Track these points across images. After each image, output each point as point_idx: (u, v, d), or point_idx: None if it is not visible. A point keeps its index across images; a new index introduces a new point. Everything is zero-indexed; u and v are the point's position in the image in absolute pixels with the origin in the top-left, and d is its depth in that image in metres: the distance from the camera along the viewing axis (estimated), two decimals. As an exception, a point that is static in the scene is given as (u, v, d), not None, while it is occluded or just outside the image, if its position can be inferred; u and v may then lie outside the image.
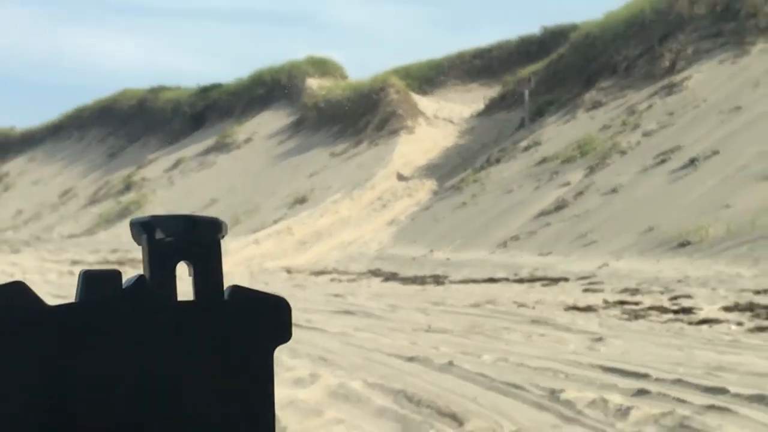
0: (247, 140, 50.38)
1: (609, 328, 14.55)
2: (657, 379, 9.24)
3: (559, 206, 27.84)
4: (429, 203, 33.91)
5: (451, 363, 10.48)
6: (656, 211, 24.99)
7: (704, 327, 15.05)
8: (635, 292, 19.99)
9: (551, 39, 49.62)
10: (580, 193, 28.04)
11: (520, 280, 22.82)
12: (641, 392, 8.72)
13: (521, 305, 18.05)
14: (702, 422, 7.52)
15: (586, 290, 20.72)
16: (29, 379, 0.85)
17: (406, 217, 33.53)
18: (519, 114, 41.47)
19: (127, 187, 52.39)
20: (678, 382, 9.06)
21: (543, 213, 28.03)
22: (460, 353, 11.29)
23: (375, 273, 26.14)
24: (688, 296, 18.89)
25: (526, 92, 37.73)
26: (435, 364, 10.62)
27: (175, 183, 49.87)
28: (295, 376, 10.10)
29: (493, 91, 46.77)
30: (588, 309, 17.54)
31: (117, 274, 0.88)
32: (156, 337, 0.89)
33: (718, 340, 13.38)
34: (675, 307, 17.58)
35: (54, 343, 0.85)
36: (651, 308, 17.48)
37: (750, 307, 17.31)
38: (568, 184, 29.11)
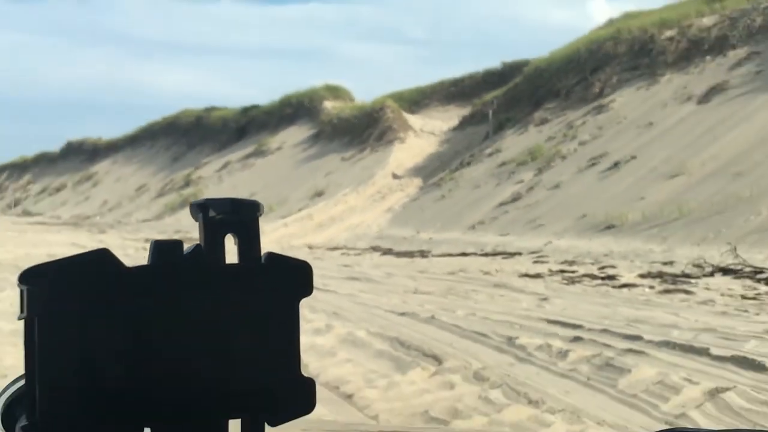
0: (278, 148, 50.44)
1: (553, 291, 14.56)
2: (588, 329, 9.25)
3: (515, 198, 27.86)
4: (416, 196, 33.94)
5: (433, 317, 10.50)
6: (588, 202, 25.01)
7: (625, 290, 15.05)
8: (572, 263, 19.98)
9: (509, 71, 50.30)
10: (531, 188, 28.06)
11: (485, 254, 22.81)
12: (577, 339, 8.74)
13: (486, 273, 18.05)
14: (622, 362, 7.53)
15: (535, 262, 20.70)
16: (115, 329, 0.85)
17: (399, 206, 33.56)
18: (484, 128, 41.49)
19: (187, 183, 52.55)
20: (605, 331, 9.07)
21: (502, 203, 28.05)
22: (440, 309, 11.29)
23: (375, 249, 26.16)
24: (612, 266, 18.89)
25: (490, 112, 37.80)
26: (420, 317, 10.64)
27: (224, 180, 49.93)
28: (314, 327, 10.10)
29: (465, 111, 46.95)
30: (537, 276, 17.53)
31: (179, 243, 0.89)
32: (210, 293, 0.89)
33: (635, 299, 13.39)
34: (602, 275, 17.59)
35: (132, 298, 0.86)
36: (584, 275, 17.49)
37: (659, 275, 17.31)
38: (521, 181, 29.13)
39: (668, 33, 32.52)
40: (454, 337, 9.23)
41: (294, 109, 54.12)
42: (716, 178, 22.87)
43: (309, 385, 0.94)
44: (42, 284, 0.83)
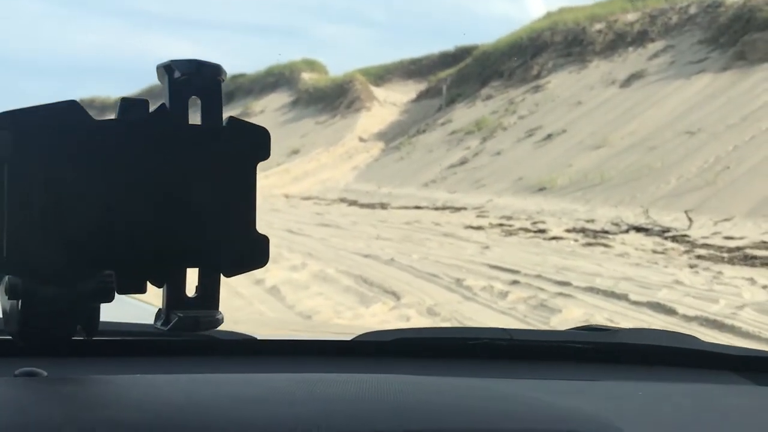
0: (261, 111, 49.96)
1: (493, 241, 14.50)
2: (525, 274, 9.19)
3: (462, 162, 27.73)
4: (379, 157, 33.75)
5: (392, 259, 10.40)
6: (524, 167, 24.95)
7: (553, 242, 15.02)
8: (510, 218, 19.92)
9: (461, 53, 50.15)
10: (476, 154, 27.95)
11: (436, 208, 22.71)
12: (515, 282, 8.67)
13: (437, 224, 17.95)
14: (554, 303, 7.47)
15: (478, 216, 20.63)
16: (80, 177, 0.81)
17: (363, 165, 33.37)
18: (438, 102, 41.33)
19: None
20: (538, 276, 9.02)
21: (452, 166, 27.92)
22: (398, 254, 11.19)
23: (342, 200, 26.00)
24: (543, 222, 18.85)
25: (444, 87, 37.57)
26: (382, 259, 10.54)
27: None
28: (291, 264, 9.98)
29: (422, 86, 46.75)
30: (479, 228, 17.47)
31: (145, 102, 0.84)
32: (172, 150, 0.84)
33: (563, 250, 13.36)
34: (535, 229, 17.56)
35: (98, 149, 0.81)
36: (519, 229, 17.44)
37: (582, 230, 17.30)
38: (468, 148, 29.00)
39: (597, 26, 32.40)
40: (410, 277, 9.14)
41: (276, 79, 53.64)
42: (633, 151, 22.87)
43: (263, 242, 0.90)
44: (11, 129, 0.78)
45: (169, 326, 0.87)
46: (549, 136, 26.37)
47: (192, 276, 0.86)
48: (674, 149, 21.77)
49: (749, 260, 12.81)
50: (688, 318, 6.86)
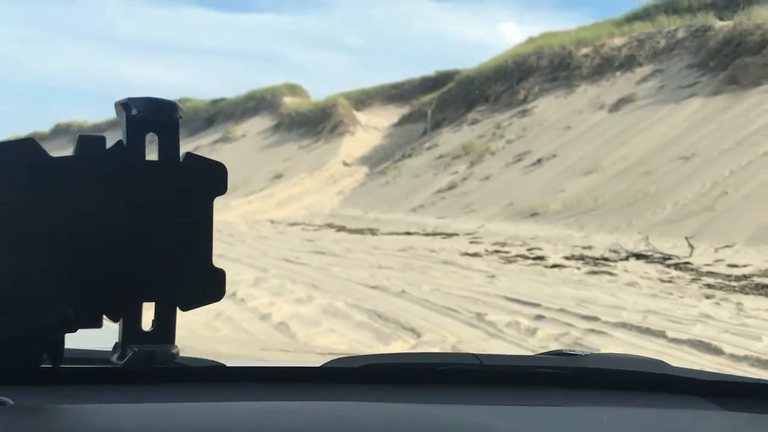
0: (243, 136, 49.52)
1: (495, 269, 13.98)
2: (546, 308, 8.65)
3: (451, 187, 27.26)
4: (364, 181, 33.22)
5: (403, 291, 9.82)
6: (515, 192, 24.51)
7: (556, 270, 14.53)
8: (504, 244, 19.44)
9: (442, 78, 50.61)
10: (465, 179, 27.48)
11: (427, 234, 22.19)
12: (539, 317, 8.13)
13: (432, 251, 17.43)
14: (590, 342, 6.94)
15: (471, 242, 20.14)
16: (38, 213, 0.82)
17: (348, 190, 32.83)
18: (422, 126, 40.99)
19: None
20: (561, 311, 8.48)
21: (440, 191, 27.44)
22: (406, 284, 10.62)
23: (330, 225, 25.43)
24: (539, 248, 18.38)
25: (429, 111, 37.16)
26: (391, 291, 9.95)
27: (195, 162, 48.90)
28: (296, 296, 9.41)
29: (403, 110, 46.56)
30: (476, 255, 16.96)
31: (102, 138, 0.86)
32: (129, 186, 0.85)
33: (569, 279, 12.86)
34: (533, 256, 17.08)
35: (55, 186, 0.83)
36: (517, 256, 16.94)
37: (582, 257, 16.84)
38: (456, 172, 28.52)
39: (584, 50, 32.10)
40: (426, 311, 8.58)
41: (257, 103, 53.22)
42: (626, 176, 22.48)
43: (219, 276, 0.90)
44: None
45: (124, 361, 0.87)
46: (539, 161, 25.94)
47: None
48: (669, 174, 21.38)
49: (762, 290, 12.37)
50: (737, 358, 6.35)
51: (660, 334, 7.17)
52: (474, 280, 11.64)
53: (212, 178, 0.89)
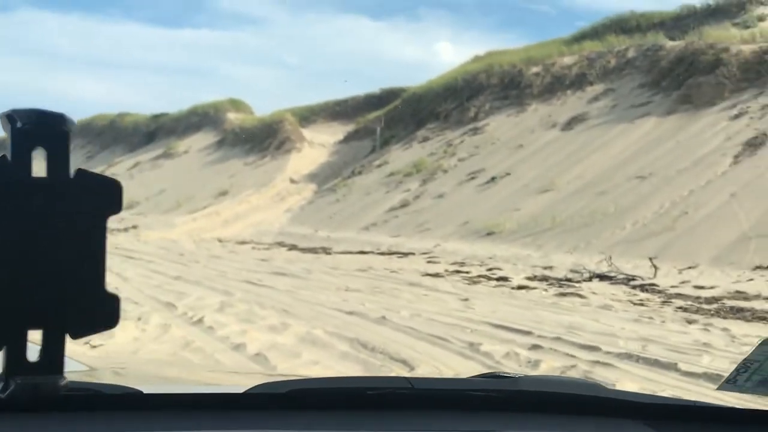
0: (185, 152, 48.59)
1: (463, 290, 13.49)
2: (538, 336, 8.16)
3: (403, 205, 26.78)
4: (312, 199, 32.57)
5: (384, 318, 9.24)
6: (469, 211, 24.11)
7: (523, 292, 14.11)
8: (462, 264, 19.00)
9: (386, 96, 50.72)
10: (417, 197, 27.02)
11: (382, 253, 21.67)
12: (535, 347, 7.61)
13: (393, 272, 16.89)
14: (602, 376, 6.44)
15: (429, 261, 19.67)
16: None
17: (297, 207, 32.16)
18: (369, 143, 40.56)
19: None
20: (557, 339, 7.98)
21: (392, 209, 26.94)
22: (383, 309, 10.04)
23: (280, 244, 24.76)
24: (499, 268, 17.98)
25: (378, 129, 36.66)
26: (370, 317, 9.36)
27: (135, 178, 47.63)
28: (268, 324, 8.79)
29: (347, 128, 46.27)
30: (438, 275, 16.46)
31: None
32: (13, 204, 0.80)
33: (543, 302, 12.42)
34: (495, 276, 16.65)
35: None
36: (479, 276, 16.49)
37: (544, 278, 16.46)
38: (408, 190, 28.05)
39: (534, 69, 31.91)
40: (413, 340, 8.02)
41: (200, 118, 52.34)
42: (582, 195, 22.21)
43: (112, 301, 0.85)
44: None
45: (6, 393, 0.83)
46: (493, 179, 25.59)
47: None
48: (626, 194, 21.15)
49: (738, 313, 12.07)
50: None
51: (671, 367, 6.70)
52: (449, 303, 11.12)
53: (106, 196, 0.84)
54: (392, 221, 25.87)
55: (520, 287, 14.70)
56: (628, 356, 7.08)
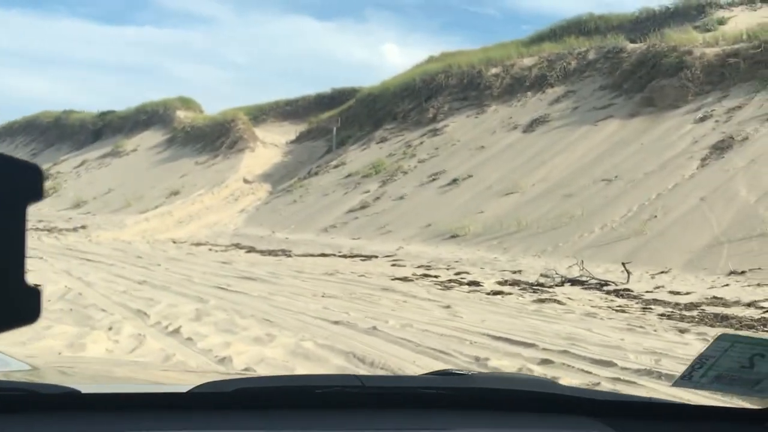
0: (134, 150, 47.51)
1: (440, 296, 12.98)
2: (543, 349, 7.66)
3: (363, 206, 26.23)
4: (268, 199, 31.85)
5: (374, 328, 8.66)
6: (432, 213, 23.65)
7: (499, 297, 13.66)
8: (429, 267, 18.53)
9: (338, 96, 50.50)
10: (377, 198, 26.48)
11: (344, 256, 21.11)
12: (546, 361, 7.11)
13: (360, 275, 16.34)
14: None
15: (393, 265, 19.17)
16: None
17: (252, 208, 31.42)
18: (322, 143, 39.97)
19: (46, 177, 48.57)
20: (564, 353, 7.50)
21: (351, 210, 26.38)
22: (369, 318, 9.46)
23: (237, 246, 24.05)
24: (467, 272, 17.54)
25: (334, 129, 36.02)
26: (360, 327, 8.76)
27: (81, 176, 46.58)
28: (252, 335, 8.19)
29: (298, 127, 45.77)
30: (407, 279, 15.96)
31: None
32: None
33: (523, 309, 11.96)
34: (465, 281, 16.18)
35: None
36: (450, 281, 16.02)
37: (515, 282, 16.04)
38: (368, 192, 27.49)
39: (493, 70, 31.54)
40: (413, 354, 7.47)
41: (149, 116, 51.32)
42: (547, 198, 21.88)
43: (34, 294, 0.81)
44: None
45: None
46: (454, 181, 25.16)
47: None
48: (592, 197, 20.86)
49: (725, 321, 11.75)
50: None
51: (697, 384, 6.24)
52: (433, 312, 10.60)
53: (24, 182, 0.78)
54: (352, 223, 25.32)
55: (495, 293, 14.27)
56: (648, 372, 6.64)
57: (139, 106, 53.65)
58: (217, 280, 12.96)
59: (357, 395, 1.47)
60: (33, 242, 22.69)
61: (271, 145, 41.85)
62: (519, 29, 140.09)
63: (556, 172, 23.16)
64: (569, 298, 13.96)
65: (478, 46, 45.26)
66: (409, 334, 8.26)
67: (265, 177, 35.98)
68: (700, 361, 1.59)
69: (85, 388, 1.34)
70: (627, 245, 18.07)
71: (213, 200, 33.16)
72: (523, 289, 15.13)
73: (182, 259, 18.30)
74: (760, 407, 1.67)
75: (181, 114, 49.31)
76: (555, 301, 13.40)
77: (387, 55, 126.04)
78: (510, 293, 14.29)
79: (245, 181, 35.46)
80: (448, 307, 11.14)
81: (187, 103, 51.53)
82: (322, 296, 11.57)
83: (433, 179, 26.06)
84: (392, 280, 15.76)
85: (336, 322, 9.11)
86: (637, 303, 13.66)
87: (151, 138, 48.29)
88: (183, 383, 1.81)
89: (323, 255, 21.30)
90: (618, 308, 13.02)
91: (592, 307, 13.02)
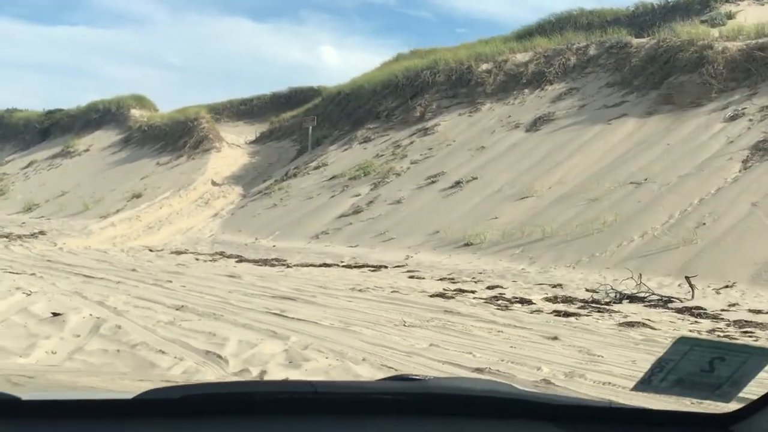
0: (86, 150, 44.70)
1: (516, 320, 10.94)
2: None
3: (356, 211, 24.02)
4: (243, 203, 29.45)
5: (547, 381, 6.53)
6: (437, 218, 21.59)
7: (574, 320, 11.66)
8: (452, 280, 16.50)
9: (295, 95, 48.85)
10: (371, 202, 24.28)
11: (348, 266, 18.95)
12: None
13: (393, 291, 14.23)
14: None
15: (410, 276, 17.10)
16: None
17: (226, 212, 28.99)
18: (288, 143, 37.87)
19: (-10, 178, 45.70)
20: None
21: (343, 215, 24.15)
22: (509, 362, 7.30)
23: (222, 255, 21.71)
24: (500, 286, 15.55)
25: (310, 128, 33.70)
26: (526, 380, 6.66)
27: (30, 178, 43.59)
28: (322, 365, 6.03)
29: (256, 127, 43.74)
30: (444, 296, 13.85)
31: None
32: None
33: (621, 335, 9.95)
34: (509, 297, 14.16)
35: None
36: (494, 298, 13.96)
37: (567, 299, 14.04)
38: (358, 195, 25.28)
39: (484, 66, 29.55)
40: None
41: (100, 115, 48.53)
42: (569, 202, 19.95)
43: None
44: None
45: None
46: (458, 184, 23.12)
47: None
48: (622, 201, 18.98)
49: None
50: None
51: None
52: (553, 348, 8.51)
53: None
54: (345, 229, 23.13)
55: (566, 314, 12.26)
56: None
57: (90, 104, 50.89)
58: (258, 302, 10.72)
59: (309, 401, 1.41)
60: (0, 251, 20.10)
61: (235, 146, 39.49)
62: (454, 33, 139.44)
63: (574, 173, 21.27)
64: (648, 320, 12.04)
65: (412, 48, 44.03)
66: (574, 386, 6.14)
67: (234, 179, 33.60)
68: (660, 365, 1.59)
69: (27, 395, 1.29)
70: (677, 256, 16.20)
71: (181, 204, 30.68)
72: (583, 307, 13.18)
73: (181, 273, 15.96)
74: (721, 412, 1.65)
75: (136, 112, 46.70)
76: (643, 324, 11.44)
77: (324, 57, 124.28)
78: (578, 314, 12.30)
79: (213, 183, 33.05)
80: (555, 338, 9.08)
81: (141, 101, 48.92)
82: (404, 325, 9.38)
83: (432, 181, 23.98)
84: (431, 297, 13.70)
85: (478, 369, 6.91)
86: (727, 325, 11.79)
87: (104, 137, 45.53)
88: (131, 390, 1.59)
89: (325, 265, 19.14)
90: (710, 331, 11.17)
91: (689, 330, 11.11)
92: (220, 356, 6.65)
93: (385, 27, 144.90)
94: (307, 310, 10.31)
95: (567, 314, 12.16)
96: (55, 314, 8.10)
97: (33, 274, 13.64)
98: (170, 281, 13.61)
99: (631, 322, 11.58)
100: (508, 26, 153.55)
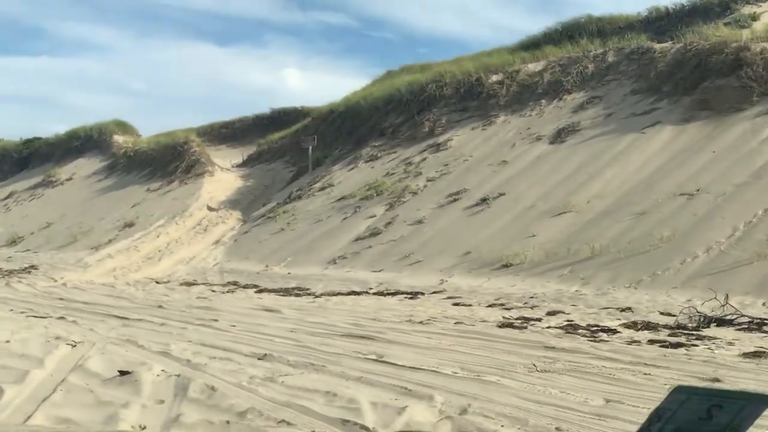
0: (69, 179, 42.69)
1: (597, 349, 9.31)
2: None
3: (374, 233, 22.30)
4: (246, 228, 27.63)
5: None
6: (466, 238, 19.93)
7: (683, 350, 10.07)
8: (504, 306, 14.86)
9: (280, 117, 47.49)
10: (389, 223, 22.57)
11: (381, 293, 17.24)
12: None
13: (458, 322, 12.54)
14: None
15: (455, 304, 15.44)
16: None
17: (228, 239, 27.16)
18: (280, 165, 36.23)
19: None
20: None
21: (360, 238, 22.42)
22: (642, 407, 5.75)
23: (236, 284, 19.91)
24: (562, 312, 13.94)
25: (310, 148, 31.96)
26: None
27: (12, 209, 41.47)
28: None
29: (239, 151, 42.10)
30: (512, 325, 12.22)
31: None
32: None
33: (752, 369, 8.36)
34: (585, 325, 12.56)
35: None
36: (570, 326, 12.34)
37: (649, 326, 12.48)
38: (373, 216, 23.58)
39: (494, 77, 28.02)
40: None
41: (81, 142, 46.56)
42: (614, 217, 18.39)
43: None
44: None
45: None
46: (484, 201, 21.49)
47: None
48: (675, 214, 17.45)
49: None
50: None
51: None
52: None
53: None
54: (364, 253, 21.41)
55: (673, 345, 10.62)
56: None
57: (70, 131, 48.87)
58: (338, 344, 8.99)
59: None
60: (2, 290, 18.17)
61: (226, 170, 37.70)
62: (415, 52, 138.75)
63: (613, 186, 19.72)
64: (763, 348, 10.46)
65: (380, 70, 42.75)
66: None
67: (231, 203, 31.79)
68: (657, 415, 1.64)
69: None
70: (751, 271, 14.66)
71: (179, 231, 28.81)
72: (673, 334, 11.57)
73: (211, 308, 14.17)
74: None
75: (119, 138, 44.80)
76: (758, 354, 9.85)
77: (287, 80, 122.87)
78: (684, 344, 10.69)
79: (209, 208, 31.21)
80: (715, 380, 7.44)
81: (123, 126, 47.05)
82: (538, 370, 7.69)
83: (454, 199, 22.34)
84: (499, 327, 12.05)
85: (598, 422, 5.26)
86: None
87: (87, 165, 43.55)
88: None
89: (354, 293, 17.43)
90: None
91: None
92: (367, 429, 4.94)
93: (349, 48, 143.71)
94: (399, 351, 8.59)
95: (677, 345, 10.52)
96: (122, 372, 6.38)
97: (62, 317, 11.81)
98: (215, 320, 11.82)
99: (756, 352, 9.97)
100: (471, 46, 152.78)
